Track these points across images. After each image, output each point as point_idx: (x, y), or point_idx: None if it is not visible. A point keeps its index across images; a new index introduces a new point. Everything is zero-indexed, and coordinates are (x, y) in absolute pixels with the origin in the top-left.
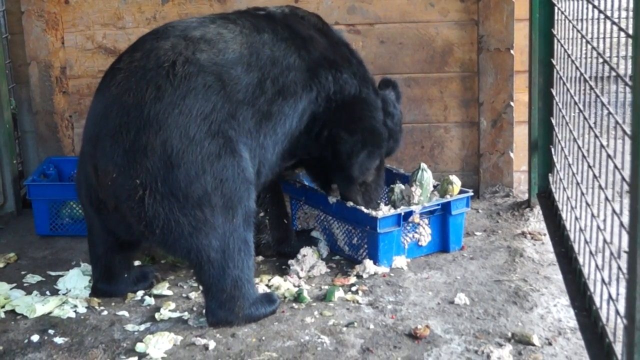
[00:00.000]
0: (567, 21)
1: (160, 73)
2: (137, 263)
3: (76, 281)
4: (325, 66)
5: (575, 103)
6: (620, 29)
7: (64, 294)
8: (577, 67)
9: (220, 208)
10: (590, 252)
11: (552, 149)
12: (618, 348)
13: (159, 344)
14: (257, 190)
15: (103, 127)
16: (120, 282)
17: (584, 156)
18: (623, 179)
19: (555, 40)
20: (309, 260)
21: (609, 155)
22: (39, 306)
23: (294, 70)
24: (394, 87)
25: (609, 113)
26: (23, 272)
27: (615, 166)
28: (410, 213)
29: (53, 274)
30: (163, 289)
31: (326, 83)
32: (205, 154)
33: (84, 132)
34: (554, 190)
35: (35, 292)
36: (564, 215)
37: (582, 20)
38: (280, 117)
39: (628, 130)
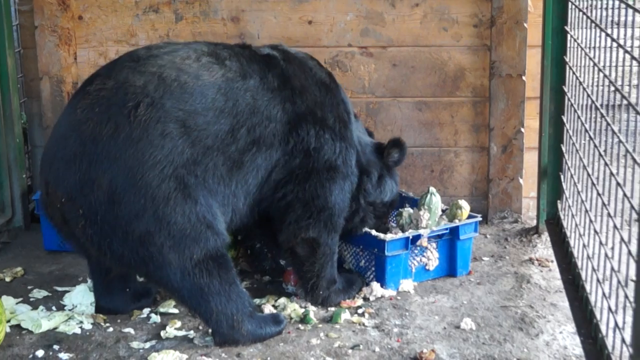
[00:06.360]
0: (579, 49)
1: (122, 112)
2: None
3: (82, 297)
4: (310, 121)
5: (586, 130)
6: (633, 57)
7: (70, 310)
8: (588, 95)
9: (170, 247)
10: (598, 280)
11: (562, 176)
12: None
13: None
14: (231, 229)
15: (60, 150)
16: (120, 298)
17: (593, 184)
18: (632, 207)
19: (567, 68)
20: None
21: (618, 184)
22: (44, 321)
23: (274, 122)
24: (400, 150)
25: (619, 141)
26: (30, 287)
27: (625, 194)
28: (418, 237)
29: (60, 289)
30: (169, 307)
31: (307, 137)
32: (150, 195)
33: (47, 142)
34: (562, 217)
35: (41, 307)
36: (571, 243)
37: (594, 48)
38: (253, 168)
39: (638, 158)
